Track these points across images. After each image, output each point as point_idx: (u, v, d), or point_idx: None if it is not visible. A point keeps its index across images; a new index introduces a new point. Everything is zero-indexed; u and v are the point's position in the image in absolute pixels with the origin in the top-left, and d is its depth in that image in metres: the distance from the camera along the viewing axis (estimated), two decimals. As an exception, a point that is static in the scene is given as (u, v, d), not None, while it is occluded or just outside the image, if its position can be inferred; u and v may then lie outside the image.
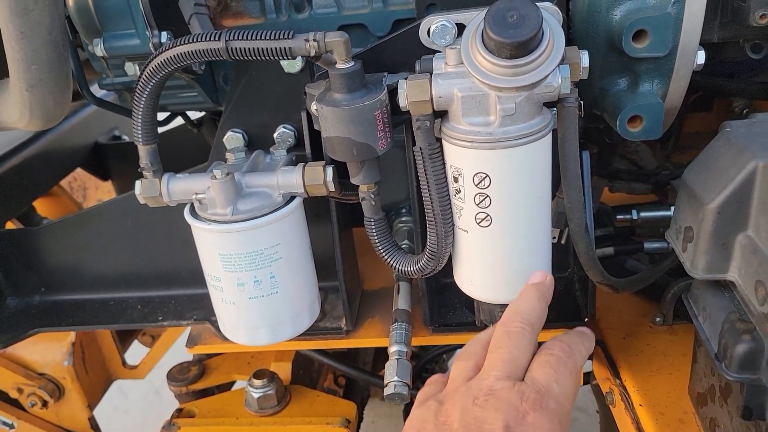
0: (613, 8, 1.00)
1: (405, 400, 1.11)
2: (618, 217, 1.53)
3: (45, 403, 1.63)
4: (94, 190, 2.40)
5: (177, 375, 1.62)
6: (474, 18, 0.89)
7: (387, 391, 1.11)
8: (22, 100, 0.97)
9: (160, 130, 1.13)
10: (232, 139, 1.20)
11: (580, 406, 2.69)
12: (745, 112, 1.78)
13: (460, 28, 0.97)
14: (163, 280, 1.42)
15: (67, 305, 1.44)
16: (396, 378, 1.11)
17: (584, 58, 0.90)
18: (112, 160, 1.97)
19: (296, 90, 1.15)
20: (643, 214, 1.52)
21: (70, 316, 1.42)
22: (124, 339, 1.85)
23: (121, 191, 2.03)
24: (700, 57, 1.02)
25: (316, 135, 1.11)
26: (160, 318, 1.37)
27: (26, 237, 1.42)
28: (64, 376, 1.64)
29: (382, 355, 2.07)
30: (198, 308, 1.37)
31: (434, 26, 0.96)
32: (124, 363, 1.81)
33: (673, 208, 1.49)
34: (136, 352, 1.93)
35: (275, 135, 1.21)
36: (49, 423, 1.69)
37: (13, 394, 1.63)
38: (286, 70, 1.14)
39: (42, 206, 1.83)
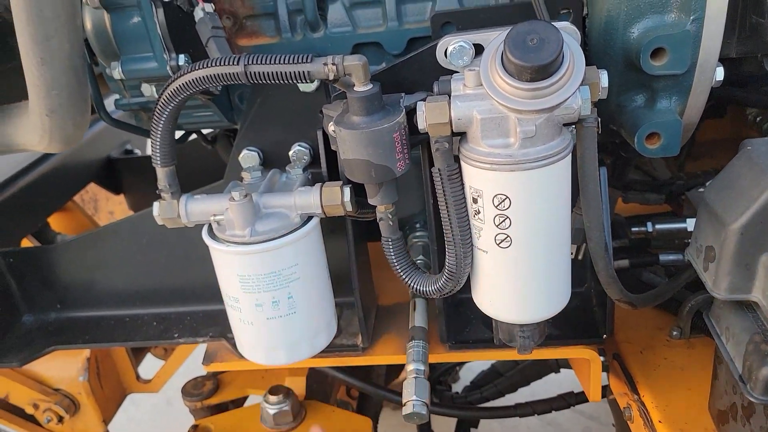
0: (630, 26, 1.00)
1: (424, 419, 1.11)
2: (633, 229, 1.52)
3: (60, 419, 1.63)
4: (104, 202, 2.41)
5: (192, 390, 1.63)
6: (493, 40, 0.89)
7: (405, 410, 1.11)
8: (42, 125, 0.98)
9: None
10: (248, 157, 1.21)
11: (593, 415, 2.68)
12: (758, 119, 1.77)
13: (478, 48, 0.97)
14: (179, 296, 1.42)
15: (83, 322, 1.45)
16: (414, 397, 1.11)
17: (603, 78, 0.90)
18: (124, 174, 1.98)
19: (311, 108, 1.16)
20: (658, 226, 1.51)
21: (86, 333, 1.42)
22: (137, 352, 1.86)
23: (133, 204, 2.04)
24: (719, 73, 1.01)
25: (332, 154, 1.11)
26: (176, 335, 1.37)
27: (43, 254, 1.43)
28: (79, 392, 1.65)
29: (394, 366, 2.07)
30: (213, 325, 1.37)
31: (452, 47, 0.96)
32: (138, 377, 1.81)
33: (688, 220, 1.49)
34: (149, 365, 1.93)
35: (290, 153, 1.21)
36: (64, 438, 1.70)
37: (29, 410, 1.63)
38: (301, 89, 1.15)
39: (56, 221, 1.84)
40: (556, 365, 1.77)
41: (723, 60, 1.02)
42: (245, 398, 1.74)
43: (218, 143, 1.44)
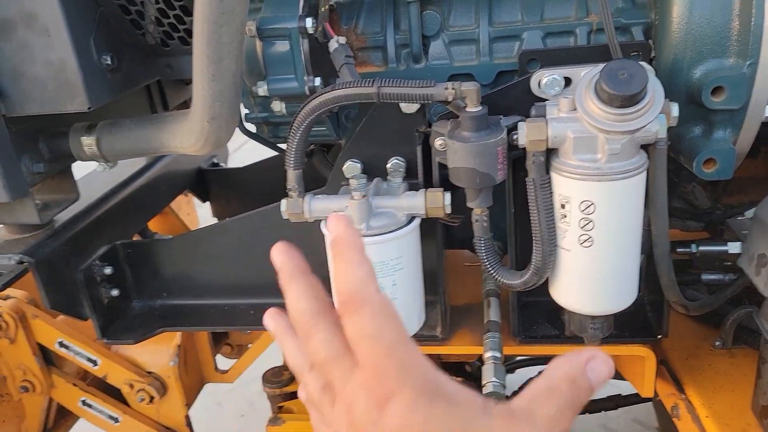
0: (693, 67, 1.19)
1: (501, 398, 1.27)
2: (678, 250, 1.68)
3: (152, 399, 1.80)
4: (177, 211, 2.63)
5: (272, 378, 1.79)
6: (585, 74, 1.08)
7: (486, 390, 1.27)
8: (201, 130, 1.18)
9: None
10: (352, 167, 1.39)
11: (641, 420, 2.78)
12: (790, 159, 1.94)
13: (566, 81, 1.17)
14: (273, 290, 1.58)
15: (186, 309, 1.63)
16: (494, 379, 1.27)
17: (674, 109, 1.09)
18: (211, 184, 2.18)
19: (409, 127, 1.35)
20: (701, 248, 1.66)
21: (189, 318, 1.60)
22: (216, 344, 2.03)
23: (217, 210, 2.24)
24: (768, 110, 1.20)
25: (427, 167, 1.31)
26: (272, 323, 1.54)
27: (155, 247, 1.61)
28: (169, 375, 1.82)
29: (444, 368, 2.23)
30: (305, 315, 1.54)
31: (545, 79, 1.16)
32: (216, 367, 1.98)
33: (729, 244, 1.65)
34: (221, 362, 2.10)
35: (388, 165, 1.40)
36: (150, 419, 1.86)
37: (125, 389, 1.80)
38: (404, 111, 1.34)
39: (152, 222, 2.04)
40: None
41: (771, 99, 1.20)
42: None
43: (314, 156, 1.64)
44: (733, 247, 1.48)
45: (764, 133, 1.56)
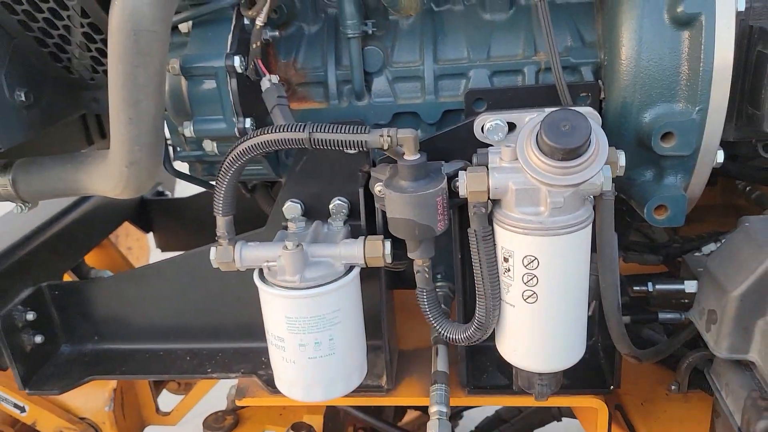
0: (643, 111, 1.15)
1: (446, 456, 1.20)
2: (635, 288, 1.64)
3: (84, 448, 1.69)
4: (124, 238, 2.51)
5: (213, 424, 1.70)
6: (528, 121, 1.02)
7: (430, 448, 1.20)
8: (120, 175, 1.09)
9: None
10: (292, 208, 1.32)
11: None
12: (747, 189, 1.93)
13: (510, 126, 1.11)
14: (212, 333, 1.51)
15: (119, 354, 1.53)
16: (438, 436, 1.20)
17: (621, 158, 1.03)
18: (154, 214, 2.08)
19: (352, 167, 1.28)
20: (658, 286, 1.62)
21: (122, 364, 1.50)
22: (156, 386, 1.93)
23: (161, 241, 2.14)
24: (720, 156, 1.16)
25: (370, 209, 1.24)
26: (209, 370, 1.45)
27: (85, 288, 1.52)
28: (103, 421, 1.71)
29: (400, 409, 2.16)
30: (245, 362, 1.46)
31: (489, 124, 1.10)
32: (157, 409, 1.88)
33: (686, 282, 1.61)
34: (167, 399, 2.00)
35: (331, 206, 1.33)
36: (84, 467, 1.75)
37: (54, 438, 1.69)
38: (345, 151, 1.27)
39: (90, 256, 1.93)
40: (558, 413, 1.87)
41: (722, 143, 1.16)
42: (262, 435, 1.81)
43: (257, 192, 1.56)
44: (690, 286, 1.44)
45: (724, 167, 1.53)
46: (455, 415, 2.06)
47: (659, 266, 1.85)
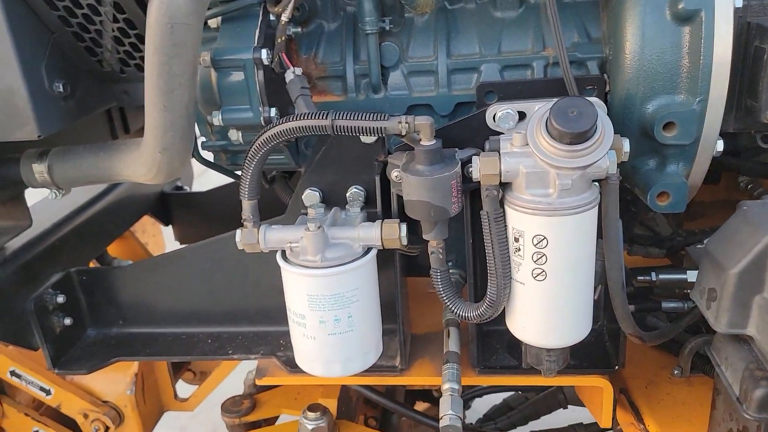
0: (646, 102, 1.21)
1: (458, 431, 1.26)
2: (639, 278, 1.69)
3: (107, 429, 1.76)
4: (141, 234, 2.58)
5: (231, 407, 1.76)
6: (537, 109, 1.09)
7: (442, 423, 1.26)
8: (153, 160, 1.16)
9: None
10: (311, 196, 1.38)
11: None
12: (749, 186, 1.98)
13: (520, 115, 1.18)
14: (232, 317, 1.57)
15: (143, 337, 1.59)
16: (450, 411, 1.26)
17: (626, 144, 1.10)
18: (174, 207, 2.16)
19: (368, 157, 1.34)
20: (661, 276, 1.68)
21: (146, 347, 1.57)
22: (175, 372, 1.99)
23: (179, 234, 2.21)
24: (720, 145, 1.22)
25: (386, 196, 1.30)
26: (230, 351, 1.52)
27: (111, 274, 1.58)
28: (125, 404, 1.78)
29: (411, 394, 2.22)
30: (264, 344, 1.52)
31: (500, 113, 1.16)
32: (175, 395, 1.94)
33: (688, 272, 1.66)
34: (183, 388, 2.06)
35: (348, 194, 1.39)
36: (106, 449, 1.81)
37: (79, 420, 1.76)
38: (363, 141, 1.33)
39: (112, 247, 2.01)
40: (564, 400, 1.92)
41: (722, 134, 1.22)
42: (276, 418, 1.87)
43: (276, 183, 1.63)
44: (692, 276, 1.49)
45: (722, 160, 1.59)
46: (464, 404, 2.12)
47: (663, 259, 1.91)
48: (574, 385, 1.77)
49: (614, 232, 1.13)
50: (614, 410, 1.49)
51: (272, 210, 1.44)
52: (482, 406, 2.32)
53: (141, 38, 1.27)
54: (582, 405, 1.77)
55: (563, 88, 1.22)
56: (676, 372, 1.54)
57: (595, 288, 1.39)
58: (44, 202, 1.70)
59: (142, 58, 1.32)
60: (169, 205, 2.15)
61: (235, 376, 1.99)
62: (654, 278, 1.69)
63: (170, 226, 2.25)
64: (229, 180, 2.04)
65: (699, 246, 1.79)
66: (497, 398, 2.16)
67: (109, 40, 1.29)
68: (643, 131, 1.24)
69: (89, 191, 1.82)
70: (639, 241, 1.93)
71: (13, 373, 1.69)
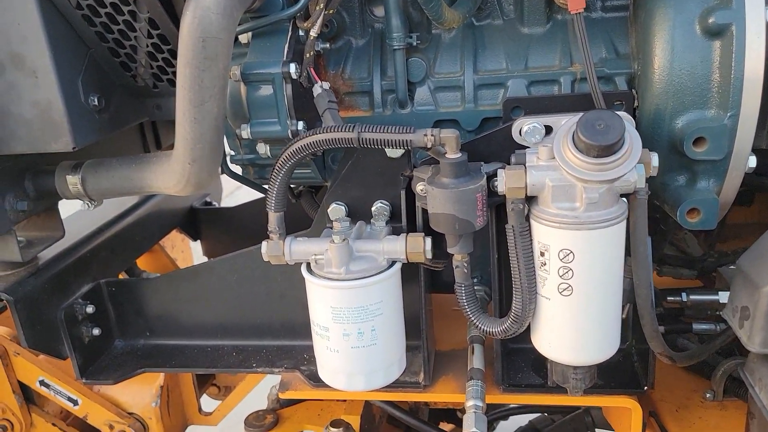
0: (676, 118, 1.20)
1: (482, 449, 1.24)
2: (669, 298, 1.66)
3: (132, 441, 1.77)
4: (170, 250, 2.62)
5: (254, 422, 1.76)
6: (564, 123, 1.09)
7: (466, 440, 1.24)
8: (183, 171, 1.18)
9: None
10: (337, 210, 1.39)
11: None
12: (784, 207, 1.93)
13: (547, 129, 1.17)
14: (257, 331, 1.58)
15: (169, 349, 1.61)
16: (474, 429, 1.24)
17: (654, 158, 1.09)
18: (202, 222, 2.19)
19: (394, 172, 1.35)
20: (692, 297, 1.64)
21: (172, 359, 1.58)
22: (200, 386, 2.00)
23: (207, 249, 2.24)
24: (752, 161, 1.20)
25: (411, 210, 1.30)
26: (254, 365, 1.52)
27: (140, 286, 1.61)
28: (150, 417, 1.78)
29: (435, 414, 2.19)
30: (288, 358, 1.52)
31: (527, 127, 1.16)
32: (200, 409, 1.95)
33: (720, 293, 1.62)
34: (207, 403, 2.07)
35: (373, 209, 1.40)
36: (130, 461, 1.82)
37: (104, 430, 1.77)
38: (389, 155, 1.34)
39: (141, 260, 2.04)
40: (592, 424, 1.88)
41: (755, 150, 1.20)
42: (300, 434, 1.86)
43: (303, 198, 1.64)
44: (724, 297, 1.45)
45: (756, 180, 1.56)
46: (488, 425, 2.08)
47: (694, 281, 1.87)
48: (601, 407, 1.73)
49: (643, 247, 1.11)
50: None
51: (299, 226, 1.45)
52: (508, 428, 2.29)
53: (174, 54, 1.31)
54: (611, 429, 1.72)
55: (591, 103, 1.21)
56: (708, 395, 1.50)
57: (624, 307, 1.37)
58: (77, 215, 1.74)
59: (175, 74, 1.36)
60: (197, 220, 2.18)
61: (258, 392, 2.00)
62: (685, 299, 1.65)
63: (198, 242, 2.28)
64: (258, 196, 2.07)
65: (732, 267, 1.75)
66: (523, 420, 2.12)
67: (143, 55, 1.33)
68: (672, 147, 1.22)
69: (120, 205, 1.86)
70: (669, 261, 1.89)
71: (42, 383, 1.71)
